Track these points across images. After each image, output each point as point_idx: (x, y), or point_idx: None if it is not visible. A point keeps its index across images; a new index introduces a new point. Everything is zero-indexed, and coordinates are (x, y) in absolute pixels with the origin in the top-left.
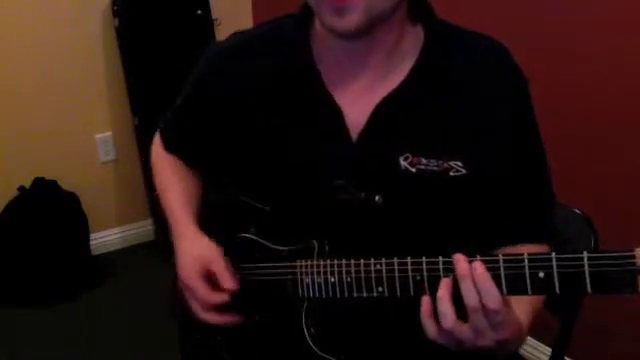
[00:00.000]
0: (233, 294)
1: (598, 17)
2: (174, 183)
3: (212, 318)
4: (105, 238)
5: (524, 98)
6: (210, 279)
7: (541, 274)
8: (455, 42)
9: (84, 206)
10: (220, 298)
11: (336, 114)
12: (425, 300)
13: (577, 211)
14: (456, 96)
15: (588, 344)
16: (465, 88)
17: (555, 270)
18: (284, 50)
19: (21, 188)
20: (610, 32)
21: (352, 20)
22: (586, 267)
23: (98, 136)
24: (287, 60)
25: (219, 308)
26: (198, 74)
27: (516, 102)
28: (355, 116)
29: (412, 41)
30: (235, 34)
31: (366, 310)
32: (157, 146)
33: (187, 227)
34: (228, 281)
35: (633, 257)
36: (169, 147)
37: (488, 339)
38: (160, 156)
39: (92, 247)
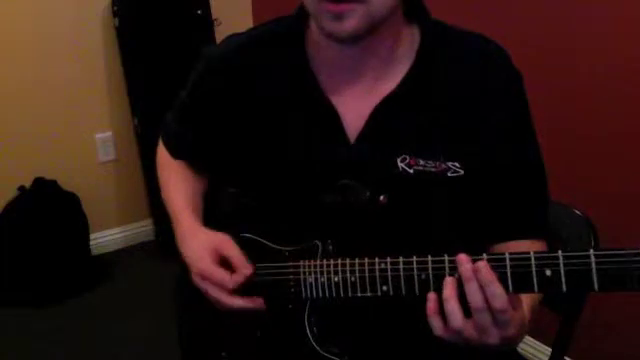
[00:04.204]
0: (250, 277)
1: (599, 16)
2: (178, 185)
3: (238, 302)
4: (105, 238)
5: (519, 96)
6: (225, 265)
7: (548, 272)
8: (450, 43)
9: (84, 206)
10: (240, 278)
11: (333, 117)
12: (431, 297)
13: (577, 211)
14: (452, 97)
15: (589, 344)
16: (461, 89)
17: (562, 268)
18: (280, 54)
19: (21, 188)
20: (611, 31)
21: (351, 25)
22: (593, 265)
23: (98, 136)
24: (284, 63)
25: (241, 293)
26: (197, 79)
27: (512, 101)
28: (353, 119)
29: (408, 43)
30: (231, 37)
31: (370, 310)
32: (162, 153)
33: (193, 226)
34: (243, 263)
35: None
36: (176, 155)
37: (494, 336)
38: (165, 162)
39: (92, 247)
